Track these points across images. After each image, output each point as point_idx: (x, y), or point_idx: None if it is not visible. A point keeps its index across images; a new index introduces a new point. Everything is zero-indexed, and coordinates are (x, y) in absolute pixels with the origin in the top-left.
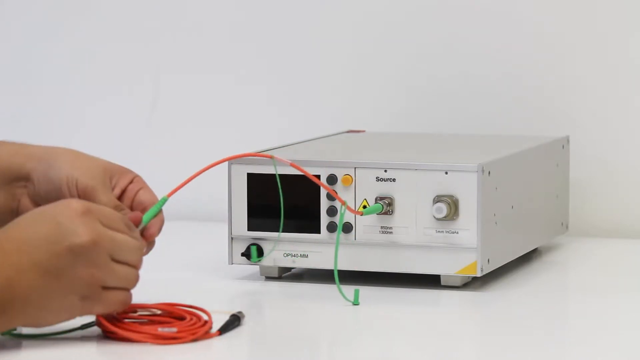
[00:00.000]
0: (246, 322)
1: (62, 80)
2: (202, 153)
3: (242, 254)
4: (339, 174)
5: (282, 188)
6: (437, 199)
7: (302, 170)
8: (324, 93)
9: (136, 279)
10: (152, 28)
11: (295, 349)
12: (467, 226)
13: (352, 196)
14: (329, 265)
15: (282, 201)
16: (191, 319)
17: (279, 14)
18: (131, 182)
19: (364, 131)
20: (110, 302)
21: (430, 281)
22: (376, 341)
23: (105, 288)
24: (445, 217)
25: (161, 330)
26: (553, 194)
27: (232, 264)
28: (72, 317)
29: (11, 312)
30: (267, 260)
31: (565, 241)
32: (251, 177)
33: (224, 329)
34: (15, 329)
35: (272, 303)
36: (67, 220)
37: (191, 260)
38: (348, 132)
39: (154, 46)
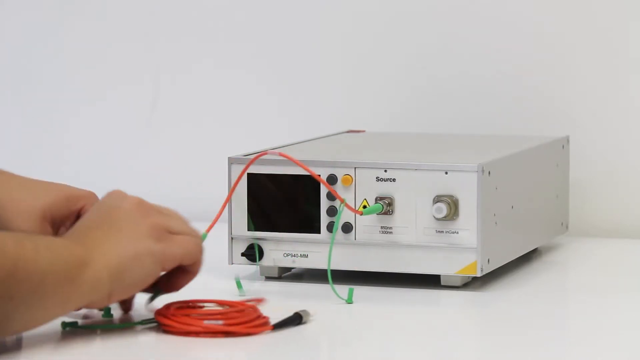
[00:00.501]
0: None
1: (62, 80)
2: (202, 153)
3: (242, 254)
4: (339, 174)
5: (281, 188)
6: (437, 199)
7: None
8: (324, 93)
9: (193, 228)
10: (153, 28)
11: (296, 348)
12: (467, 226)
13: (352, 196)
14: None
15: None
16: (249, 313)
17: (279, 14)
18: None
19: (364, 131)
20: (184, 244)
21: (430, 281)
22: (376, 341)
23: (172, 233)
24: (445, 217)
25: (207, 322)
26: (553, 194)
27: (232, 264)
28: (155, 263)
29: (91, 268)
30: (267, 260)
31: (565, 241)
32: (251, 177)
33: (279, 326)
34: (77, 322)
35: (272, 303)
36: (112, 197)
37: None
38: (348, 132)
39: (154, 46)
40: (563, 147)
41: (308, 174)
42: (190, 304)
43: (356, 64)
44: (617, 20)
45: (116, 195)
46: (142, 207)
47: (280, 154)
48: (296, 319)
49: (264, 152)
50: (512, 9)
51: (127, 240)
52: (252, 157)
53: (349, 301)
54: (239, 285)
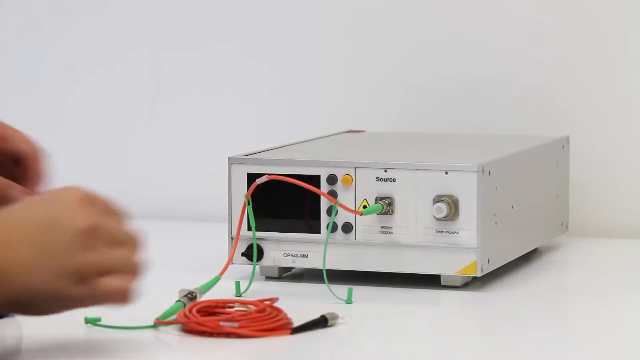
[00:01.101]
0: None
1: (62, 80)
2: (202, 153)
3: (242, 254)
4: (339, 174)
5: (281, 188)
6: (437, 199)
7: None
8: (324, 93)
9: (135, 266)
10: (153, 28)
11: (296, 349)
12: (467, 226)
13: (352, 196)
14: (329, 265)
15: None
16: (270, 315)
17: (279, 14)
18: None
19: (364, 131)
20: (108, 291)
21: (430, 281)
22: (376, 341)
23: (101, 275)
24: (445, 217)
25: (223, 324)
26: (553, 194)
27: (232, 264)
28: (64, 305)
29: (3, 288)
30: (267, 260)
31: (565, 241)
32: (251, 177)
33: (298, 329)
34: (100, 319)
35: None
36: (66, 205)
37: (191, 260)
38: (348, 132)
39: (154, 46)
40: (563, 147)
41: (308, 174)
42: (220, 304)
43: (356, 64)
44: (617, 20)
45: (67, 204)
46: (88, 236)
47: (268, 177)
48: (321, 322)
49: (255, 184)
50: (512, 9)
51: (48, 275)
52: (252, 157)
53: (349, 301)
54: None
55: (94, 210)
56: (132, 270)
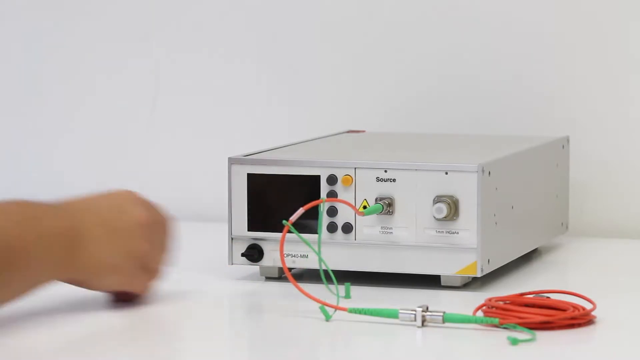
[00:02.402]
0: (245, 322)
1: (61, 81)
2: (202, 153)
3: (242, 254)
4: (339, 174)
5: (280, 189)
6: (437, 199)
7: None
8: (324, 93)
9: (162, 271)
10: (152, 28)
11: (296, 349)
12: (467, 226)
13: (353, 196)
14: (329, 265)
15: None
16: (568, 310)
17: (280, 15)
18: None
19: (364, 131)
20: (147, 281)
21: (430, 281)
22: (376, 341)
23: (147, 267)
24: (445, 217)
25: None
26: (553, 194)
27: (232, 264)
28: (122, 284)
29: (75, 258)
30: (267, 260)
31: (565, 241)
32: (251, 177)
33: None
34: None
35: (272, 303)
36: (128, 200)
37: (191, 260)
38: (348, 132)
39: (154, 46)
40: (563, 147)
41: (307, 174)
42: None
43: (356, 64)
44: (617, 20)
45: (128, 199)
46: (145, 229)
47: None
48: None
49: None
50: (512, 9)
51: (116, 252)
52: (252, 157)
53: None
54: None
55: (149, 209)
56: (160, 270)
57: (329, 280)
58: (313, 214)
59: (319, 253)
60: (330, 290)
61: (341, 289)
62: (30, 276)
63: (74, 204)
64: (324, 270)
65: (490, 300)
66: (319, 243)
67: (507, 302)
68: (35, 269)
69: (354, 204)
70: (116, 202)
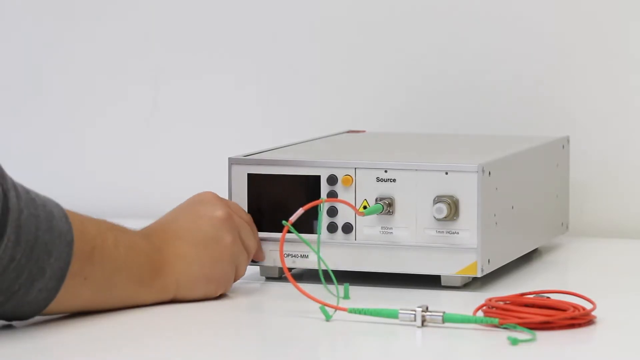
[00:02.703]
0: (246, 322)
1: (61, 81)
2: (202, 153)
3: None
4: (339, 174)
5: (281, 189)
6: (437, 199)
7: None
8: (323, 93)
9: (253, 251)
10: (152, 29)
11: (296, 349)
12: (467, 226)
13: (353, 196)
14: (329, 266)
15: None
16: (568, 310)
17: (279, 14)
18: None
19: (364, 131)
20: (240, 273)
21: (430, 281)
22: (376, 341)
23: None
24: (445, 217)
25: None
26: (553, 194)
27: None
28: (217, 288)
29: (162, 278)
30: (267, 260)
31: (565, 241)
32: (251, 177)
33: None
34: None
35: (272, 303)
36: (203, 200)
37: None
38: (348, 132)
39: (154, 46)
40: (563, 147)
41: (307, 174)
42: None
43: (356, 64)
44: (617, 20)
45: (207, 201)
46: (230, 223)
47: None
48: None
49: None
50: (512, 9)
51: (206, 260)
52: (252, 157)
53: (346, 297)
54: (346, 291)
55: (225, 207)
56: (256, 248)
57: (328, 280)
58: (313, 214)
59: (317, 252)
60: (329, 290)
61: (340, 289)
62: (111, 281)
63: (154, 228)
64: (324, 270)
65: (490, 300)
66: (318, 243)
67: (507, 302)
68: (122, 278)
69: (354, 204)
70: (193, 210)
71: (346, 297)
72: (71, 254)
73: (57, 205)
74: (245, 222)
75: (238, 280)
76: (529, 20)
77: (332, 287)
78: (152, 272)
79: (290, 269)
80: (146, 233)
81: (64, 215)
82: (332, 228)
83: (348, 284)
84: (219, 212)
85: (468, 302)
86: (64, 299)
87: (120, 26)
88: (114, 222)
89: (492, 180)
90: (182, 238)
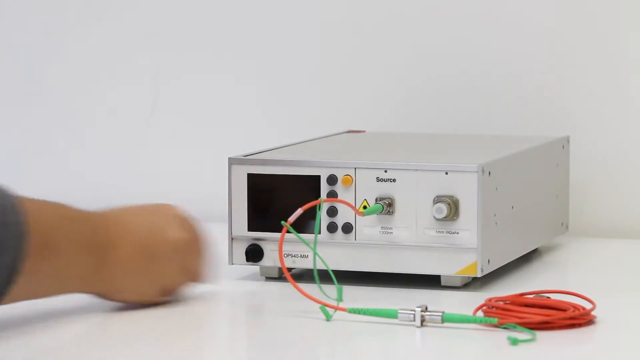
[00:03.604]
0: (245, 322)
1: (62, 81)
2: (202, 153)
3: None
4: (339, 174)
5: (280, 189)
6: (437, 199)
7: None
8: (324, 93)
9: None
10: (152, 29)
11: (296, 349)
12: (467, 226)
13: (353, 196)
14: (329, 266)
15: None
16: (568, 310)
17: (279, 14)
18: None
19: (364, 131)
20: (181, 292)
21: (430, 281)
22: (376, 341)
23: (166, 292)
24: (445, 217)
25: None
26: (553, 194)
27: (232, 264)
28: (144, 302)
29: (104, 274)
30: (267, 261)
31: (565, 241)
32: (251, 177)
33: None
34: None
35: (272, 303)
36: (167, 217)
37: None
38: (348, 132)
39: (154, 46)
40: (563, 147)
41: (307, 174)
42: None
43: (356, 64)
44: (617, 20)
45: (168, 218)
46: (185, 248)
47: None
48: None
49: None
50: (512, 9)
51: (144, 276)
52: (252, 156)
53: (339, 300)
54: (339, 293)
55: (185, 229)
56: (203, 278)
57: (325, 280)
58: (314, 214)
59: (314, 249)
60: (322, 291)
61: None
62: (59, 275)
63: (111, 216)
64: (324, 270)
65: (490, 300)
66: (315, 243)
67: (507, 302)
68: (65, 271)
69: (354, 204)
70: (153, 220)
71: (339, 299)
72: (22, 249)
73: (9, 197)
74: (197, 256)
75: (238, 280)
76: (529, 20)
77: (325, 288)
78: (96, 261)
79: (290, 269)
80: (100, 219)
81: (14, 206)
82: (332, 228)
83: (341, 286)
84: (177, 235)
85: (468, 302)
86: (16, 294)
87: (120, 26)
88: (64, 205)
89: (492, 180)
90: (133, 243)
